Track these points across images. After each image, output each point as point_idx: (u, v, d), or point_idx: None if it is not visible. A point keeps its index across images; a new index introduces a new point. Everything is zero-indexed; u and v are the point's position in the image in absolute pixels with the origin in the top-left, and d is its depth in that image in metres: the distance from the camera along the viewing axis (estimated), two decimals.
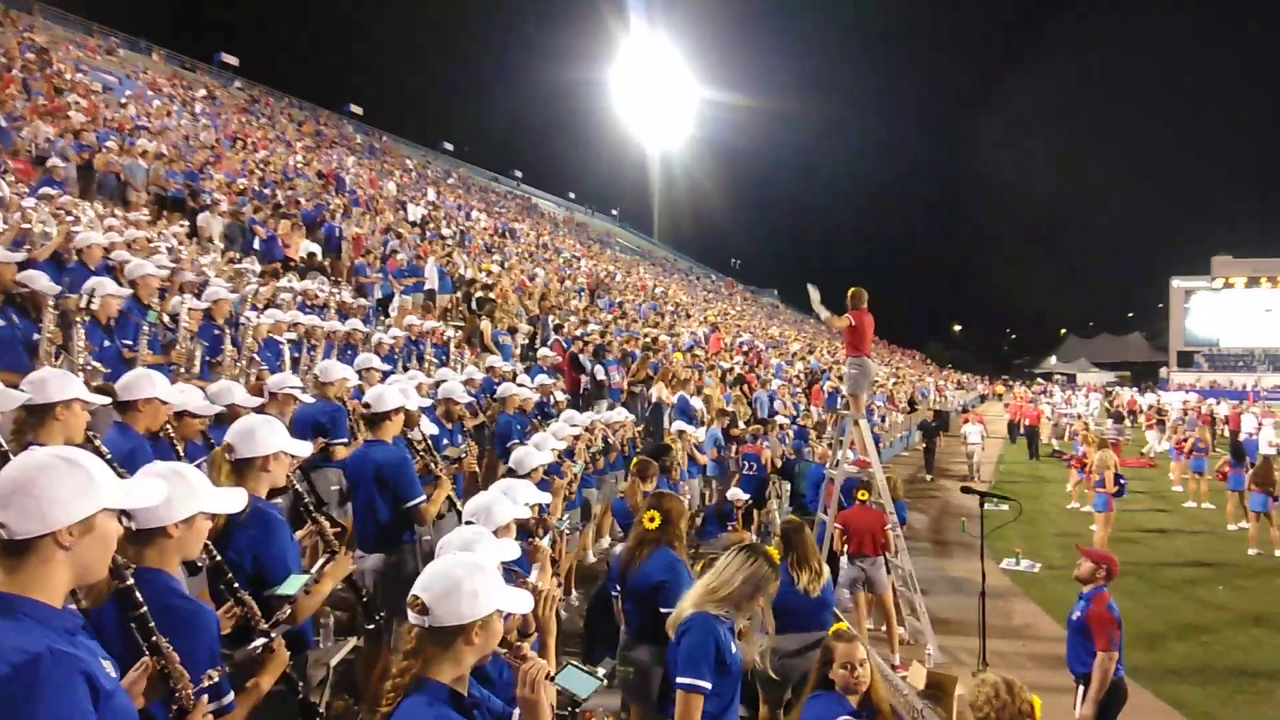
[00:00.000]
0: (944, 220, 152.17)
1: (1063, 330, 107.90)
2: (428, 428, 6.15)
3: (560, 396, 10.53)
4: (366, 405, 5.22)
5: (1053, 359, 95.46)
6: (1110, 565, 6.17)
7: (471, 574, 2.35)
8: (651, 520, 4.60)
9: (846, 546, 9.12)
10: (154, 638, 2.13)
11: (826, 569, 6.16)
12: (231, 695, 2.52)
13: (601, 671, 3.96)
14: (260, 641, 2.68)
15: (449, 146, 58.32)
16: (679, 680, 3.53)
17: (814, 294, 10.12)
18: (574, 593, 8.14)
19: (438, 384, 7.79)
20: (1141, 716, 6.25)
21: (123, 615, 2.20)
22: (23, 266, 6.22)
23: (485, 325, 14.06)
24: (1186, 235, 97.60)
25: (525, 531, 4.09)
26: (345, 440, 5.99)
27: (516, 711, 2.57)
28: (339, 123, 45.62)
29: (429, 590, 2.30)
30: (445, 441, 6.71)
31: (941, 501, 18.40)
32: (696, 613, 3.65)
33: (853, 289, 10.02)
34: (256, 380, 6.76)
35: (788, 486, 12.67)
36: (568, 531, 5.77)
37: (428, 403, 6.55)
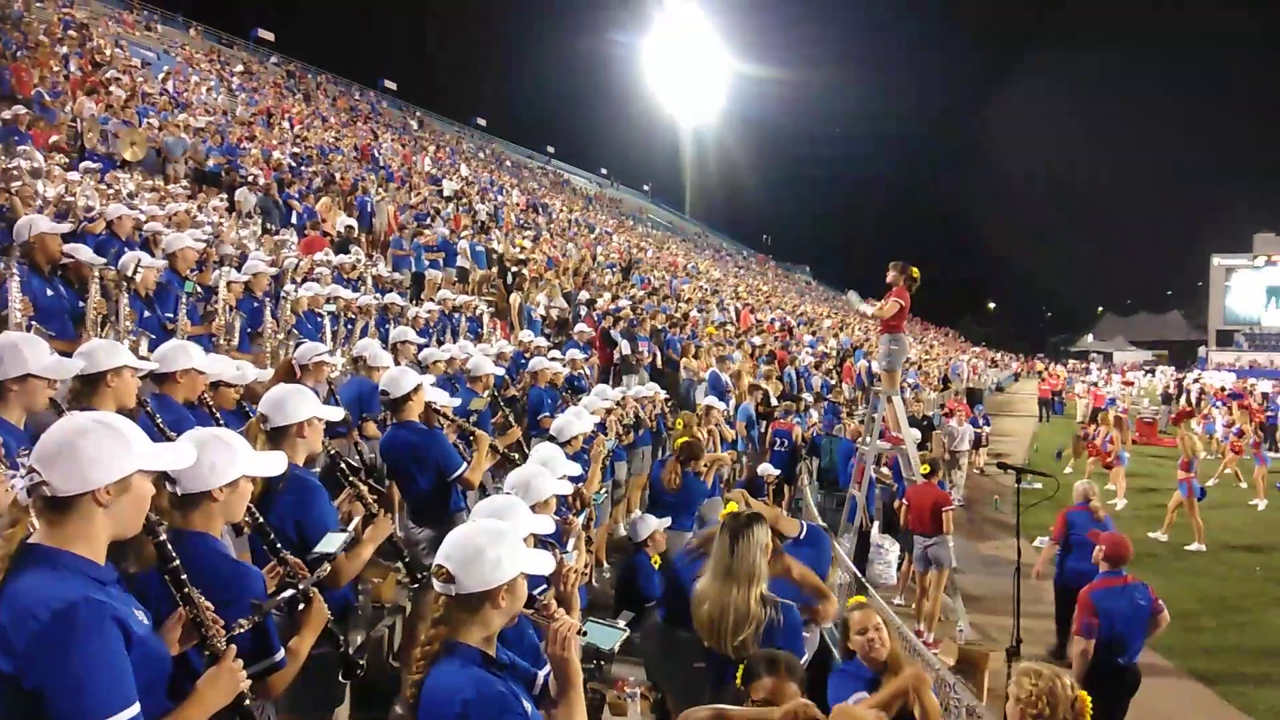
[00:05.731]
0: (979, 196, 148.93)
1: (1100, 308, 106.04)
2: (451, 400, 6.00)
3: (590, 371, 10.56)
4: (385, 393, 5.04)
5: (1089, 337, 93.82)
6: (1108, 550, 5.89)
7: (494, 540, 2.37)
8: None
9: (908, 521, 9.12)
10: (186, 589, 2.25)
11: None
12: (282, 653, 2.58)
13: (622, 623, 4.01)
14: (288, 593, 2.72)
15: (482, 122, 58.39)
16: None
17: (854, 298, 9.82)
18: (604, 564, 8.23)
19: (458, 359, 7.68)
20: (1173, 695, 6.21)
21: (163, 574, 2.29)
22: (67, 239, 6.33)
23: (515, 300, 14.14)
24: (1228, 212, 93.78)
25: (561, 507, 4.12)
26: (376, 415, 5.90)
27: (543, 671, 2.60)
28: (373, 98, 45.78)
29: (452, 559, 2.32)
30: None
31: (973, 479, 18.24)
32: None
33: (898, 263, 9.63)
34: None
35: (817, 462, 12.67)
36: (596, 503, 5.82)
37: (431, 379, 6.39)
